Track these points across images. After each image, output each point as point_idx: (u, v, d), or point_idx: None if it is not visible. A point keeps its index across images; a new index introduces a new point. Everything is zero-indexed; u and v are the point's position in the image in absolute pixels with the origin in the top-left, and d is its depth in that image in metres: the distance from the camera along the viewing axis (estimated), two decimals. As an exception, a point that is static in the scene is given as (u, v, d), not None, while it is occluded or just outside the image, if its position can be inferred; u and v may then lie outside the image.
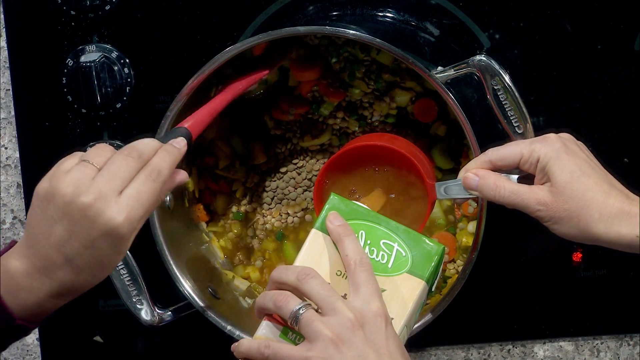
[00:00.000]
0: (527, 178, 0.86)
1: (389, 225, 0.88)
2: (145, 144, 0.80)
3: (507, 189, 0.85)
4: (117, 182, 0.77)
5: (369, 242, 0.87)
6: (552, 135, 0.86)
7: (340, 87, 1.06)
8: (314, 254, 0.87)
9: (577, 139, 0.88)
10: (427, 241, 0.87)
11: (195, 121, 0.91)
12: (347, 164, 0.95)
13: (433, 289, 0.89)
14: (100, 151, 0.79)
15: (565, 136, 0.86)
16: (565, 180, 0.82)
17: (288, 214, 1.10)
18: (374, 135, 1.03)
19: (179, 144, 0.84)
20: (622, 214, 0.81)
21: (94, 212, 0.75)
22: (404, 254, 0.86)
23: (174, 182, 0.83)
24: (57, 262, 0.77)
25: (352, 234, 0.86)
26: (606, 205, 0.81)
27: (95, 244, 0.76)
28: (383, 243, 0.87)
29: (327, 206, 0.89)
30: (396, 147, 0.93)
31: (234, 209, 1.10)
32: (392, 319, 0.84)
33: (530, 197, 0.84)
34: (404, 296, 0.85)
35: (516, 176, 0.87)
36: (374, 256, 0.86)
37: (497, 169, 0.87)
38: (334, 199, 0.89)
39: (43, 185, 0.78)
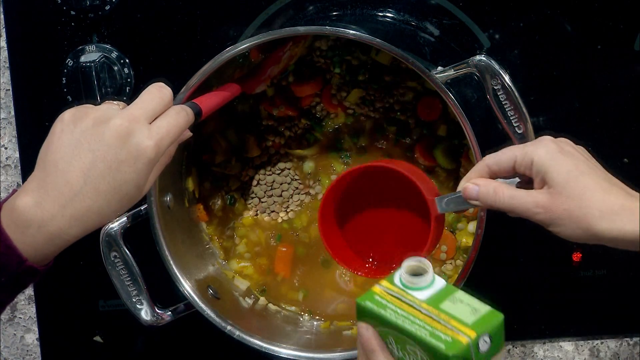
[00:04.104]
0: (528, 183, 0.86)
1: (407, 332, 0.80)
2: (169, 90, 0.83)
3: (506, 194, 0.84)
4: (149, 111, 0.80)
5: (398, 346, 0.82)
6: (546, 137, 0.85)
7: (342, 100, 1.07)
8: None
9: (577, 141, 0.87)
10: (440, 345, 0.77)
11: (206, 102, 0.92)
12: (348, 189, 0.95)
13: None
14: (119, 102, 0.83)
15: (561, 139, 0.86)
16: (562, 180, 0.82)
17: (279, 211, 1.10)
18: (373, 161, 1.02)
19: (190, 111, 0.86)
20: (624, 210, 0.80)
21: (126, 132, 0.77)
22: None
23: (184, 136, 0.87)
24: (75, 188, 0.77)
25: (376, 349, 0.81)
26: (606, 202, 0.80)
27: (121, 167, 0.77)
28: (409, 348, 0.81)
29: (357, 314, 0.83)
30: (393, 166, 0.92)
31: (228, 197, 1.10)
32: None
33: (529, 200, 0.83)
34: None
35: (516, 181, 0.86)
36: None
37: (495, 175, 0.87)
38: (361, 305, 0.82)
39: (69, 111, 0.79)
